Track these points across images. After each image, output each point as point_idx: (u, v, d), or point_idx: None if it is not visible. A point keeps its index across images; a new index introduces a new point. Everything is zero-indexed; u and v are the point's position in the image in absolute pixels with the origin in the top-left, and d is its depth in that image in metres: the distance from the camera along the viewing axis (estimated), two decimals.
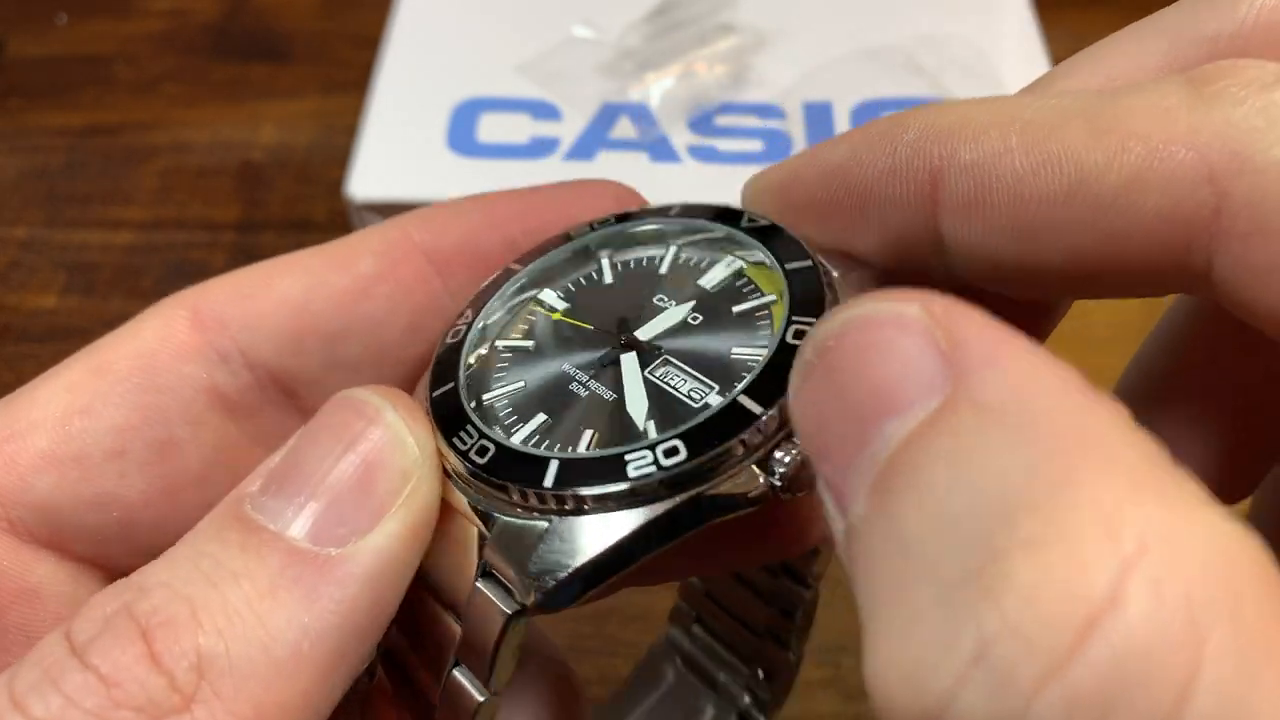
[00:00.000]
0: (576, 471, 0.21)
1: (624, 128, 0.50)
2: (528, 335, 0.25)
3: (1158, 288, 0.20)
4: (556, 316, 0.25)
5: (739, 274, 0.25)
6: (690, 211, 0.26)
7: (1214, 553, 0.14)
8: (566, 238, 0.26)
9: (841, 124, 0.50)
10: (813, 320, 0.22)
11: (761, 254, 0.25)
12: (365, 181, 0.45)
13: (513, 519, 0.22)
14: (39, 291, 0.57)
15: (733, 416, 0.21)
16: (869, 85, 0.51)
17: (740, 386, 0.21)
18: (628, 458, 0.21)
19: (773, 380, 0.21)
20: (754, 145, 0.50)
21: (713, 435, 0.21)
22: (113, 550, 0.25)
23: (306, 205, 0.60)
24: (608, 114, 0.50)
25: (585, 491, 0.21)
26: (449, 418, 0.23)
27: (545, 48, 0.52)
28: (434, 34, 0.53)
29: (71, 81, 0.67)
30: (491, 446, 0.22)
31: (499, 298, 0.26)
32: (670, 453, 0.21)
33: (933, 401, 0.16)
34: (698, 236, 0.26)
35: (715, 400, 0.22)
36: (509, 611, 0.22)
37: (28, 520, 0.24)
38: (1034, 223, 0.20)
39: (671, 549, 0.21)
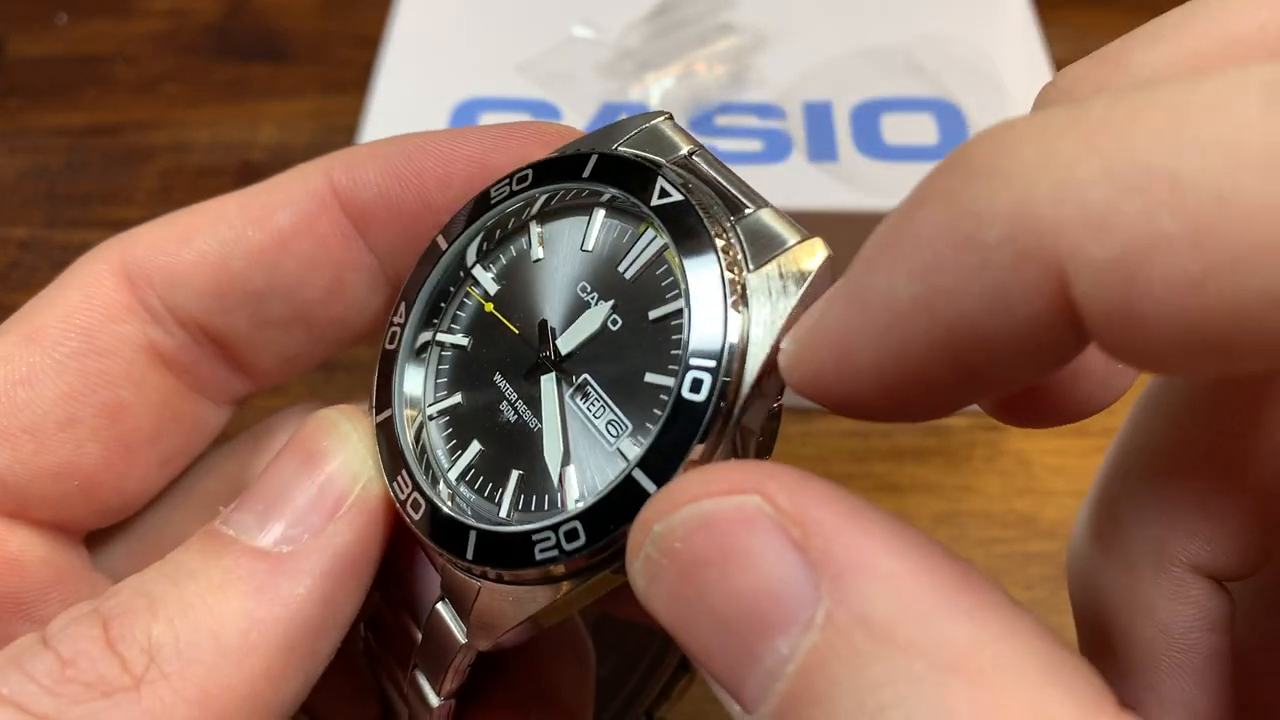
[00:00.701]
0: (492, 549, 0.22)
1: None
2: (465, 329, 0.25)
3: None
4: (488, 308, 0.25)
5: (659, 257, 0.23)
6: (607, 166, 0.23)
7: None
8: (486, 199, 0.25)
9: (842, 124, 0.50)
10: (706, 364, 0.20)
11: (669, 238, 0.22)
12: None
13: (455, 571, 0.23)
14: (39, 291, 0.57)
15: (629, 495, 0.21)
16: (869, 85, 0.51)
17: (635, 458, 0.21)
18: (534, 538, 0.22)
19: (669, 446, 0.20)
20: (754, 145, 0.50)
21: (608, 518, 0.21)
22: (77, 513, 0.26)
23: None
24: (608, 114, 0.50)
25: (500, 570, 0.22)
26: (391, 453, 0.24)
27: (545, 48, 0.52)
28: (434, 34, 0.53)
29: (71, 81, 0.67)
30: (423, 503, 0.23)
31: (430, 285, 0.25)
32: (571, 536, 0.21)
33: (812, 614, 0.15)
34: (618, 199, 0.23)
35: (627, 447, 0.22)
36: (461, 641, 0.24)
37: None
38: (1226, 336, 0.13)
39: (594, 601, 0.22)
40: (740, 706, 0.16)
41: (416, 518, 0.23)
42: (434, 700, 0.25)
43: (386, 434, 0.24)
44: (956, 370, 0.16)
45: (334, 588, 0.22)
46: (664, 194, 0.22)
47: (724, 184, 0.23)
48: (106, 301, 0.25)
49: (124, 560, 0.27)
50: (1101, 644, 0.23)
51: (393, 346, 0.25)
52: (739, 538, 0.16)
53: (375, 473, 0.24)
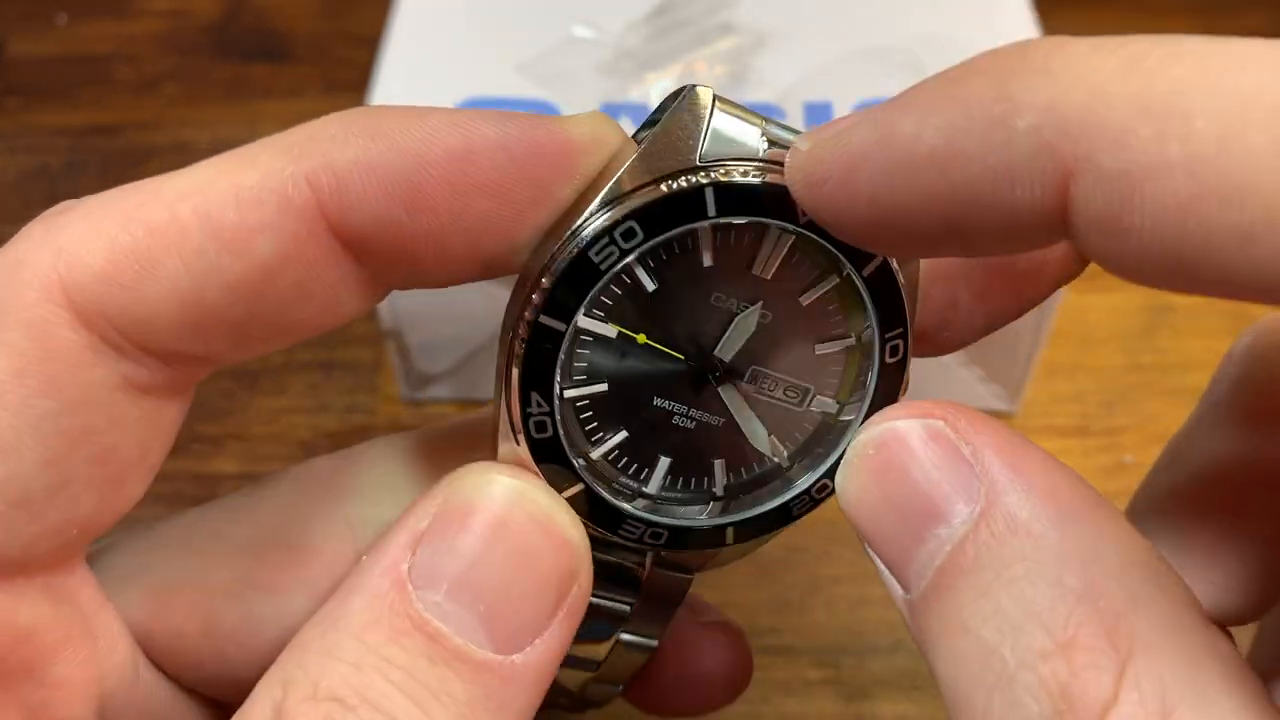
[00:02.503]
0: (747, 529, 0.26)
1: (624, 128, 0.50)
2: (595, 376, 0.24)
3: None
4: (641, 340, 0.24)
5: (792, 252, 0.24)
6: (728, 200, 0.23)
7: (1188, 654, 0.17)
8: (588, 265, 0.22)
9: None
10: (902, 332, 0.24)
11: (797, 228, 0.23)
12: None
13: (664, 571, 0.27)
14: None
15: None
16: (869, 85, 0.51)
17: (859, 412, 0.25)
18: (790, 506, 0.25)
19: (882, 397, 0.25)
20: None
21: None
22: (76, 550, 0.24)
23: None
24: (607, 114, 0.50)
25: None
26: (597, 508, 0.24)
27: (545, 48, 0.52)
28: (434, 34, 0.53)
29: (71, 81, 0.67)
30: (664, 531, 0.25)
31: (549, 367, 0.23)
32: (823, 489, 0.25)
33: (970, 509, 0.19)
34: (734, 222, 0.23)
35: (821, 404, 0.25)
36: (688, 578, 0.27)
37: None
38: (1194, 259, 0.16)
39: None
40: (901, 587, 0.20)
41: (661, 542, 0.25)
42: (653, 641, 0.28)
43: (584, 502, 0.24)
44: (942, 223, 0.19)
45: (545, 686, 0.22)
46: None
47: None
48: (64, 347, 0.21)
49: (142, 599, 0.26)
50: None
51: (544, 436, 0.23)
52: (924, 447, 0.20)
53: (585, 559, 0.23)
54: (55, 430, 0.21)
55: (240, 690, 0.22)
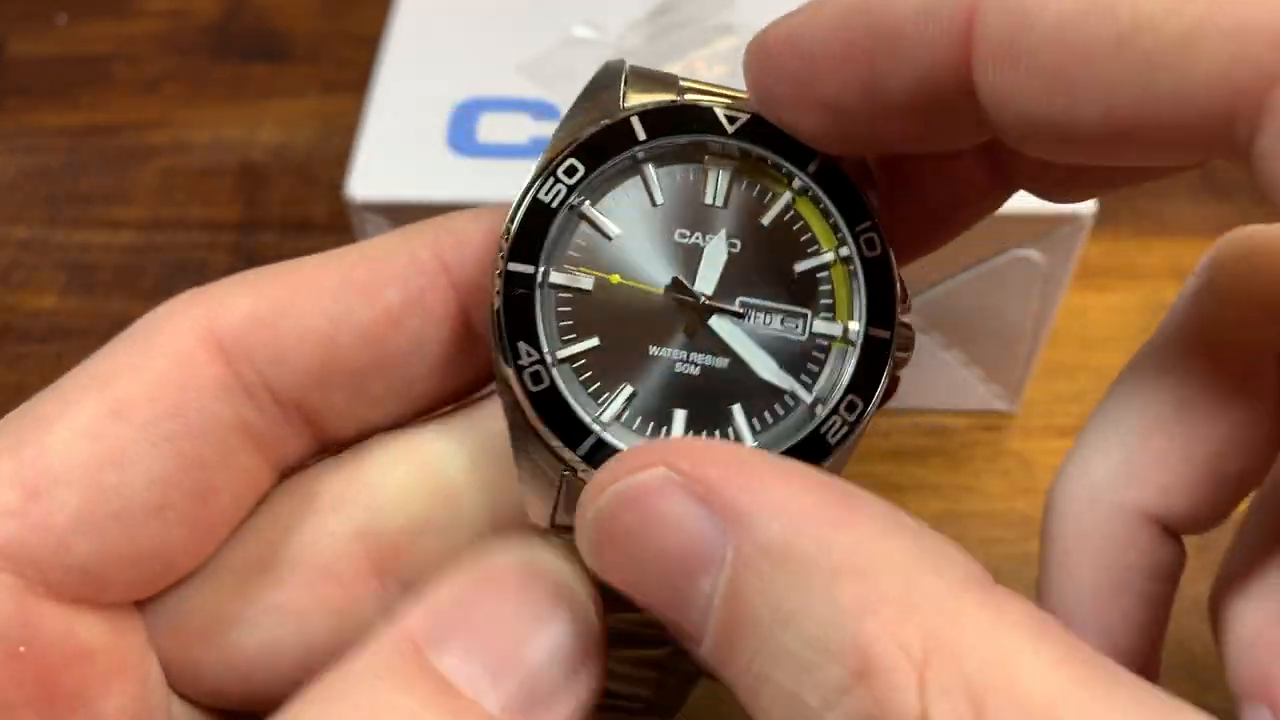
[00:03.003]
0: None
1: None
2: (584, 331, 0.24)
3: (1193, 156, 0.19)
4: (615, 280, 0.24)
5: (737, 176, 0.25)
6: (656, 120, 0.25)
7: (982, 631, 0.17)
8: (541, 208, 0.24)
9: None
10: (871, 225, 0.24)
11: (729, 140, 0.24)
12: (365, 181, 0.45)
13: None
14: (39, 291, 0.57)
15: (875, 348, 0.25)
16: None
17: (857, 328, 0.24)
18: (823, 431, 0.24)
19: (880, 299, 0.24)
20: None
21: (872, 371, 0.25)
22: (143, 592, 0.24)
23: (306, 205, 0.60)
24: None
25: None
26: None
27: (545, 48, 0.52)
28: (434, 34, 0.53)
29: (71, 81, 0.67)
30: None
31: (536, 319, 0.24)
32: (850, 407, 0.24)
33: (724, 553, 0.18)
34: (660, 149, 0.25)
35: (822, 326, 0.25)
36: None
37: (67, 583, 0.22)
38: (1075, 74, 0.18)
39: None
40: (694, 646, 0.19)
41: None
42: None
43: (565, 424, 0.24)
44: (868, 77, 0.21)
45: None
46: (730, 119, 0.24)
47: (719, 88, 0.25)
48: (201, 377, 0.23)
49: (159, 629, 0.25)
50: (1055, 576, 0.27)
51: (542, 387, 0.24)
52: (655, 503, 0.19)
53: (600, 635, 0.22)
54: (172, 452, 0.23)
55: (269, 706, 0.22)
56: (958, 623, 0.17)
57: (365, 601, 0.25)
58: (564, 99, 0.51)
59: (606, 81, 0.25)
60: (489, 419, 0.26)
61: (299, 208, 0.60)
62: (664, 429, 0.24)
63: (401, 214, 0.45)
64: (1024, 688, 0.16)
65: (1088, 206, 0.43)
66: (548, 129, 0.48)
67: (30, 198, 0.61)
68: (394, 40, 0.52)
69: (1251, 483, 0.26)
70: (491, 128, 0.48)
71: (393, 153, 0.46)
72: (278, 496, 0.26)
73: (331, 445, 0.26)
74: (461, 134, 0.48)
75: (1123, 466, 0.26)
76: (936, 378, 0.50)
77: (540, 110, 0.49)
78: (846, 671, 0.17)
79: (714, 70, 0.52)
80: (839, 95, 0.22)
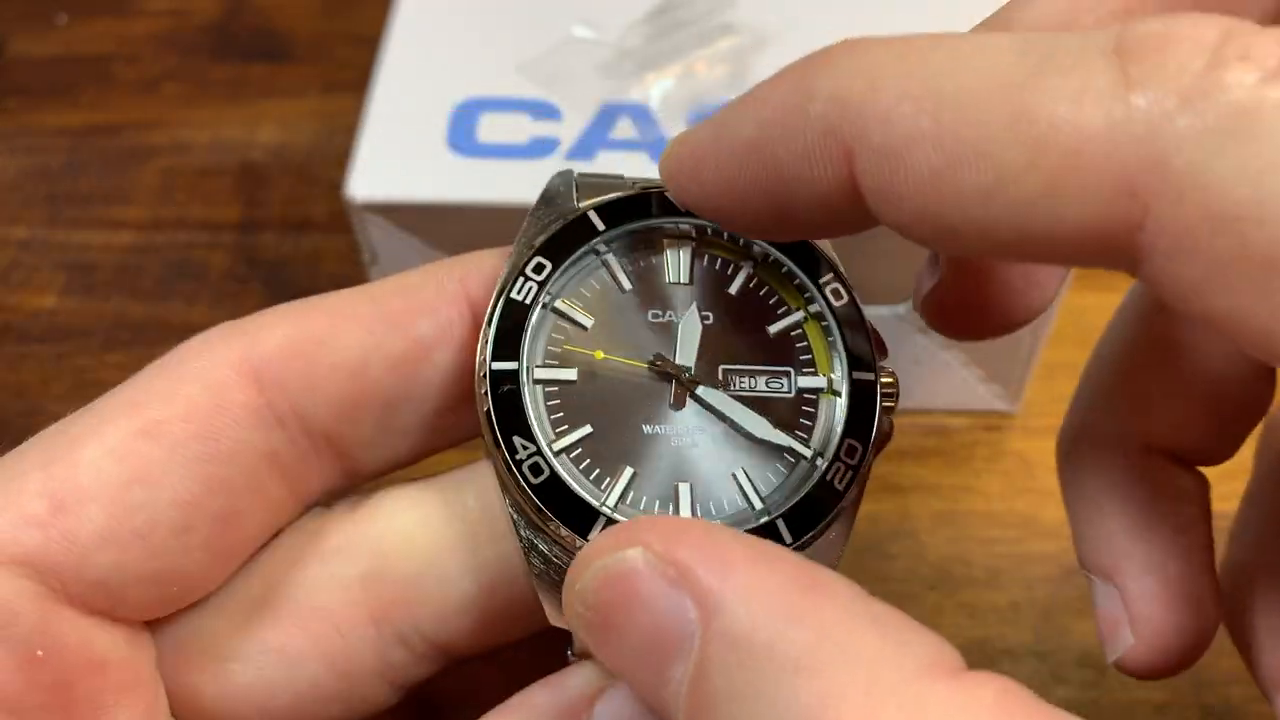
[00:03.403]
0: (799, 520, 0.25)
1: (624, 128, 0.50)
2: (574, 422, 0.25)
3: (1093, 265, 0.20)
4: (600, 356, 0.25)
5: (697, 252, 0.26)
6: (615, 211, 0.26)
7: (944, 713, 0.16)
8: (515, 308, 0.25)
9: None
10: (830, 276, 0.26)
11: (684, 221, 0.26)
12: (365, 181, 0.45)
13: None
14: (39, 291, 0.57)
15: (862, 391, 0.25)
16: None
17: (843, 372, 0.25)
18: (829, 478, 0.25)
19: (855, 348, 0.25)
20: None
21: (862, 416, 0.25)
22: (158, 611, 0.25)
23: (306, 205, 0.60)
24: (608, 114, 0.50)
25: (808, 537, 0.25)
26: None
27: (545, 48, 0.52)
28: (434, 34, 0.53)
29: (71, 81, 0.67)
30: None
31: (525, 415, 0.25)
32: (851, 452, 0.25)
33: (695, 637, 0.18)
34: (626, 233, 0.26)
35: (807, 381, 0.25)
36: None
37: (86, 595, 0.23)
38: (952, 218, 0.18)
39: None
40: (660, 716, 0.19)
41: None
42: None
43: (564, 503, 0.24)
44: (770, 204, 0.21)
45: None
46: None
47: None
48: (233, 404, 0.24)
49: (165, 651, 0.26)
50: (1084, 529, 0.27)
51: (543, 478, 0.24)
52: (631, 584, 0.19)
53: None
54: (199, 474, 0.23)
55: None
56: (923, 713, 0.16)
57: (360, 649, 0.26)
58: (564, 99, 0.51)
59: (559, 190, 0.26)
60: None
61: (299, 208, 0.60)
62: (671, 505, 0.24)
63: (401, 214, 0.45)
64: None
65: None
66: (548, 129, 0.49)
67: (30, 198, 0.61)
68: (394, 40, 0.52)
69: (1254, 410, 0.26)
70: (491, 128, 0.48)
71: (393, 153, 0.46)
72: (290, 533, 0.26)
73: (359, 479, 0.27)
74: (461, 134, 0.48)
75: (1120, 405, 0.27)
76: (936, 378, 0.50)
77: (540, 110, 0.49)
78: None
79: (714, 70, 0.52)
80: (748, 216, 0.22)
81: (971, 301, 0.25)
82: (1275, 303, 0.15)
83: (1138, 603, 0.25)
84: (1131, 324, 0.27)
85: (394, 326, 0.25)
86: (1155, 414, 0.26)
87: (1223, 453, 0.27)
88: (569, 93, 0.50)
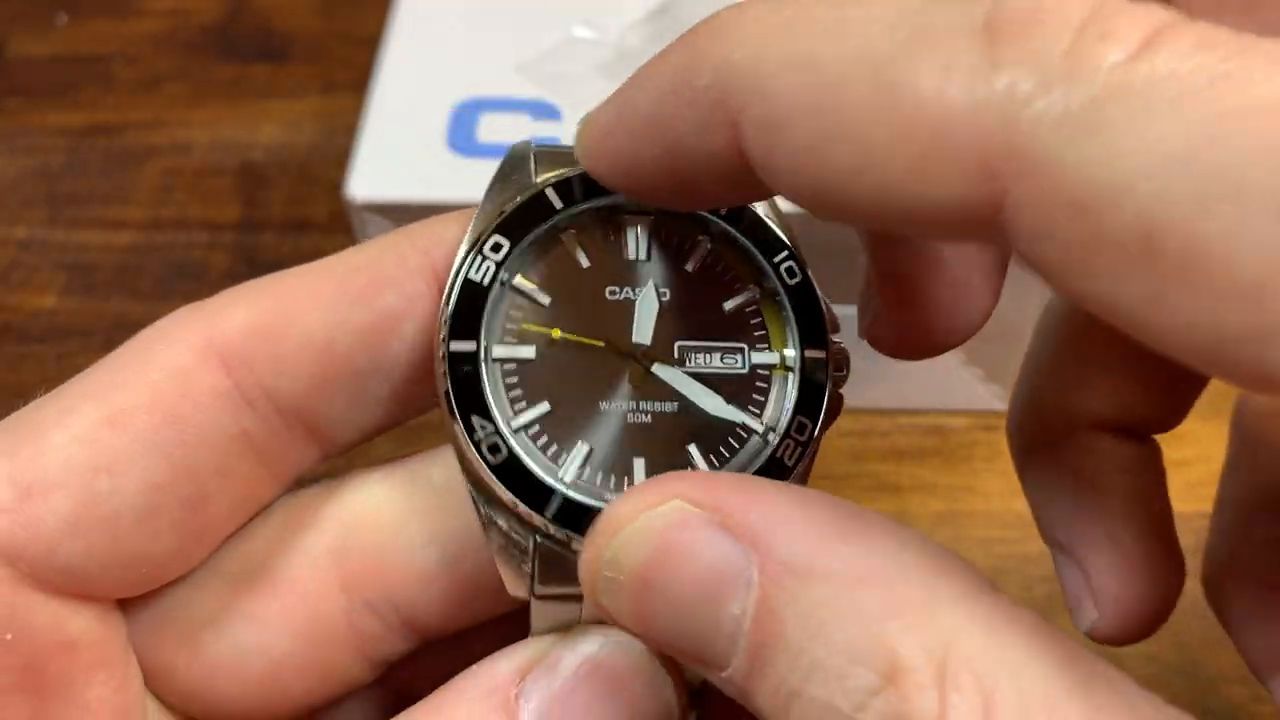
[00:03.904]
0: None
1: None
2: (532, 402, 0.25)
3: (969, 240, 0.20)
4: (556, 334, 0.25)
5: (655, 228, 0.26)
6: (568, 189, 0.26)
7: (991, 631, 0.18)
8: (473, 286, 0.25)
9: None
10: (784, 254, 0.26)
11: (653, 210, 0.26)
12: (365, 182, 0.45)
13: None
14: (39, 291, 0.57)
15: (814, 367, 0.25)
16: None
17: (791, 351, 0.26)
18: (779, 455, 0.25)
19: (809, 323, 0.26)
20: None
21: (814, 395, 0.25)
22: (129, 592, 0.25)
23: (306, 205, 0.60)
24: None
25: None
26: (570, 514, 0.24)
27: (545, 48, 0.52)
28: (434, 34, 0.53)
29: (71, 81, 0.67)
30: None
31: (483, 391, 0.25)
32: (800, 429, 0.25)
33: (750, 574, 0.19)
34: (584, 210, 0.26)
35: (762, 357, 0.26)
36: None
37: (55, 579, 0.23)
38: (830, 193, 0.18)
39: None
40: (717, 672, 0.20)
41: None
42: None
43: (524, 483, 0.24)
44: (673, 175, 0.21)
45: None
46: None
47: None
48: (199, 387, 0.24)
49: (138, 627, 0.26)
50: (1039, 508, 0.28)
51: (501, 458, 0.24)
52: (676, 536, 0.20)
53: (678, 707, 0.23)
54: (166, 459, 0.23)
55: (238, 718, 0.23)
56: (970, 625, 0.18)
57: (331, 617, 0.26)
58: (564, 99, 0.51)
59: (517, 163, 0.26)
60: None
61: (299, 208, 0.60)
62: (625, 479, 0.25)
63: (401, 214, 0.45)
64: (1027, 687, 0.17)
65: None
66: (548, 129, 0.49)
67: (30, 198, 0.61)
68: (394, 40, 0.52)
69: (1192, 375, 0.26)
70: (491, 128, 0.48)
71: (393, 153, 0.46)
72: (266, 512, 0.27)
73: (334, 453, 0.27)
74: (461, 134, 0.48)
75: (1059, 382, 0.27)
76: (936, 378, 0.50)
77: (540, 110, 0.49)
78: (876, 675, 0.17)
79: None
80: (658, 189, 0.22)
81: (911, 322, 0.26)
82: (1134, 288, 0.15)
83: (1096, 576, 0.26)
84: (1063, 301, 0.28)
85: (359, 300, 0.25)
86: (1095, 388, 0.27)
87: (1170, 420, 0.27)
88: (569, 93, 0.50)
